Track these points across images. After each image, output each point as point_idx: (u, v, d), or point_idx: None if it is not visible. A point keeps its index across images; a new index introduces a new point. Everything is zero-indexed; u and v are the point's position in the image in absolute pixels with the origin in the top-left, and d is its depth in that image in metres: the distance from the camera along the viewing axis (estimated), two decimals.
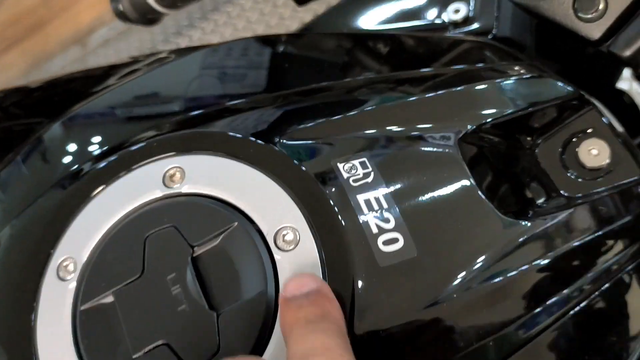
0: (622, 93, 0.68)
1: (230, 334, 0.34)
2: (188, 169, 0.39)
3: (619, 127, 0.45)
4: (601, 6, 0.44)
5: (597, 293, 0.38)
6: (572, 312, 0.37)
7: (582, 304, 0.38)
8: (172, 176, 0.39)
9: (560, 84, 0.44)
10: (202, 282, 0.35)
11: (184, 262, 0.36)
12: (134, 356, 0.34)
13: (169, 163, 0.39)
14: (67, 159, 0.43)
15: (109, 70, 0.52)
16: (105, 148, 0.41)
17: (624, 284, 0.40)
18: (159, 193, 0.39)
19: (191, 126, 0.41)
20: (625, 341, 0.40)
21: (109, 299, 0.36)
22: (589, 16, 0.45)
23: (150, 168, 0.39)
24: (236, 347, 0.34)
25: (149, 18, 0.63)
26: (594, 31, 0.45)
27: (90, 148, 0.43)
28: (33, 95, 0.55)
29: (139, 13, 0.62)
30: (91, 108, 0.45)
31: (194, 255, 0.36)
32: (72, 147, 0.44)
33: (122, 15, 0.63)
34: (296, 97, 0.43)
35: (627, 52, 0.44)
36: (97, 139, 0.43)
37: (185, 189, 0.38)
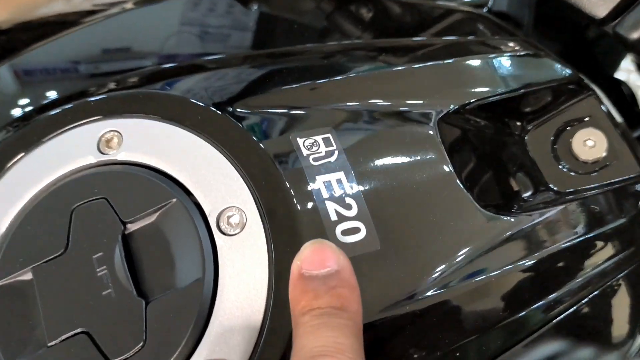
0: (620, 83, 0.64)
1: (159, 325, 0.30)
2: (126, 134, 0.34)
3: (619, 118, 0.40)
4: None
5: (584, 301, 0.34)
6: (556, 320, 0.34)
7: (568, 312, 0.34)
8: (108, 141, 0.34)
9: (558, 64, 0.39)
10: (132, 265, 0.31)
11: (113, 239, 0.31)
12: (49, 344, 0.30)
13: (106, 126, 0.34)
14: None
15: (63, 19, 0.47)
16: (35, 105, 0.36)
17: (614, 292, 0.36)
18: (92, 159, 0.34)
19: (137, 85, 0.36)
20: (609, 355, 0.36)
21: (27, 276, 0.32)
22: None
23: (85, 130, 0.34)
24: (165, 341, 0.29)
25: None
26: (600, 9, 0.40)
27: (20, 103, 0.37)
28: None
29: None
30: (26, 59, 0.40)
31: (125, 232, 0.31)
32: None
33: None
34: (265, 59, 0.38)
35: (634, 35, 0.39)
36: (27, 94, 0.38)
37: (122, 156, 0.33)
